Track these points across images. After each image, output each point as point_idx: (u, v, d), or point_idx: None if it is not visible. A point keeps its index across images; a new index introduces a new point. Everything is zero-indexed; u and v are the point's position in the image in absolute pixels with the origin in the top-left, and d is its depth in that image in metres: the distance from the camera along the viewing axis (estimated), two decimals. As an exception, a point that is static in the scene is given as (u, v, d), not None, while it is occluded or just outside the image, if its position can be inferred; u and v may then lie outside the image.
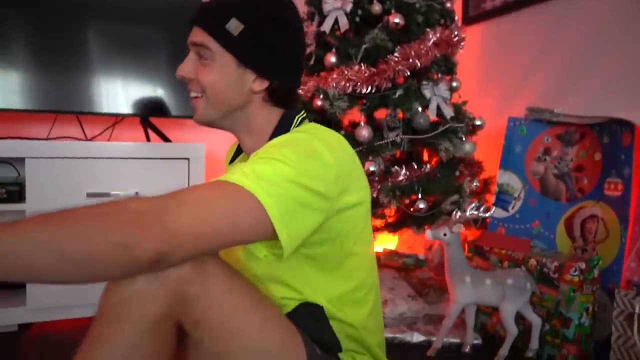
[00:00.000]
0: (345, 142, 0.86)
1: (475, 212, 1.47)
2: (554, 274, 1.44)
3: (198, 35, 0.87)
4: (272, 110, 0.93)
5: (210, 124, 0.93)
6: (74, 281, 0.62)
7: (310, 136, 0.81)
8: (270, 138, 0.89)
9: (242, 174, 0.71)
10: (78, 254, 0.60)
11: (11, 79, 1.72)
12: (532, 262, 1.50)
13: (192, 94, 0.91)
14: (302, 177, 0.73)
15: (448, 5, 1.82)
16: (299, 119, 0.93)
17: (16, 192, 1.60)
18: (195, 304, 0.73)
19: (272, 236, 0.72)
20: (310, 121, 0.97)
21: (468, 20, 2.31)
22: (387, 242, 2.16)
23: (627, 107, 1.60)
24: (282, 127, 0.90)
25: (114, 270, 0.63)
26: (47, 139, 1.87)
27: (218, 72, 0.87)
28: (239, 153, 1.03)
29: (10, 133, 1.92)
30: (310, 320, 0.87)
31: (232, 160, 1.05)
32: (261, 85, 0.89)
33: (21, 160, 1.62)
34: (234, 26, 0.85)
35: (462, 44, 1.80)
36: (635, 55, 1.61)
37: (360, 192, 0.86)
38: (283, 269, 0.88)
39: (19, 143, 1.60)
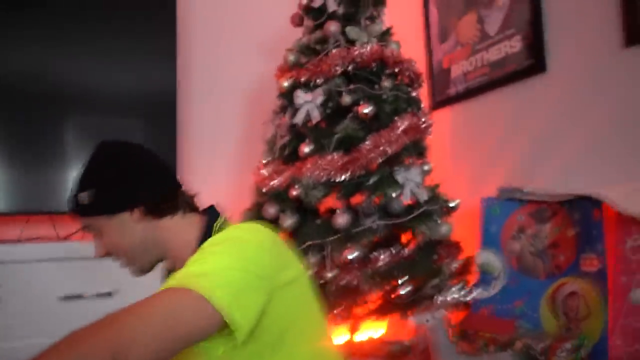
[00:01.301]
0: (265, 229, 0.92)
1: (456, 296, 1.46)
2: (541, 356, 1.41)
3: (79, 222, 1.02)
4: (182, 225, 1.00)
5: (147, 271, 1.04)
6: None
7: (231, 230, 0.89)
8: (196, 250, 0.93)
9: (178, 278, 0.76)
10: None
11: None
12: (518, 344, 1.47)
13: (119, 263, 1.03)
14: (236, 263, 0.79)
15: (414, 94, 1.91)
16: (218, 225, 0.98)
17: (-15, 299, 1.54)
18: None
19: (221, 325, 0.74)
20: (256, 218, 1.02)
21: (436, 105, 2.42)
22: (375, 328, 2.11)
23: (594, 183, 1.65)
24: (204, 237, 0.95)
25: None
26: (18, 241, 1.83)
27: (108, 236, 0.99)
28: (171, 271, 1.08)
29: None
30: None
31: (167, 276, 1.09)
32: (136, 214, 0.97)
33: (-8, 266, 1.57)
34: (84, 197, 0.97)
35: (430, 129, 1.87)
36: (596, 133, 1.69)
37: (295, 268, 0.91)
38: None
39: (-11, 248, 1.57)
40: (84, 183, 0.99)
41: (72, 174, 1.83)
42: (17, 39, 1.81)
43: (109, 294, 1.64)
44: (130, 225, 0.98)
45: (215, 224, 0.99)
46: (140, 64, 2.01)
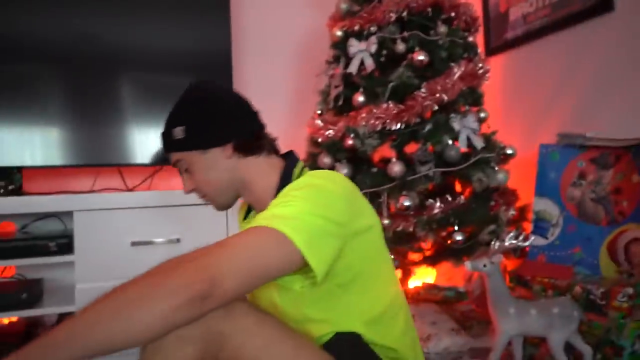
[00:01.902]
0: (343, 177, 0.96)
1: (514, 242, 1.46)
2: (601, 301, 1.41)
3: (171, 158, 1.06)
4: (266, 165, 1.04)
5: (228, 207, 1.09)
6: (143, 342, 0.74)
7: (311, 177, 0.92)
8: (276, 192, 0.97)
9: (265, 219, 0.82)
10: (139, 326, 0.70)
11: (52, 135, 1.82)
12: (577, 289, 1.47)
13: (203, 199, 1.08)
14: (316, 209, 0.84)
15: (470, 39, 1.86)
16: (298, 171, 1.02)
17: (65, 244, 1.66)
18: (229, 341, 0.80)
19: (301, 265, 0.81)
20: (311, 169, 1.05)
21: (491, 51, 2.34)
22: (426, 275, 2.15)
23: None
24: (284, 181, 0.99)
25: (173, 319, 0.71)
26: (91, 191, 1.95)
27: (199, 171, 1.03)
28: (250, 210, 1.14)
29: (54, 188, 2.00)
30: (347, 348, 0.91)
31: (245, 217, 1.15)
32: (228, 151, 1.01)
33: (68, 214, 1.69)
34: (179, 132, 1.01)
35: (487, 75, 1.83)
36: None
37: (369, 217, 0.96)
38: (318, 303, 0.94)
39: (67, 197, 1.68)
40: (179, 119, 1.02)
41: (134, 130, 1.92)
42: (77, 2, 1.88)
43: (178, 240, 1.74)
44: (221, 161, 1.02)
45: (295, 169, 1.02)
46: (195, 21, 2.04)
